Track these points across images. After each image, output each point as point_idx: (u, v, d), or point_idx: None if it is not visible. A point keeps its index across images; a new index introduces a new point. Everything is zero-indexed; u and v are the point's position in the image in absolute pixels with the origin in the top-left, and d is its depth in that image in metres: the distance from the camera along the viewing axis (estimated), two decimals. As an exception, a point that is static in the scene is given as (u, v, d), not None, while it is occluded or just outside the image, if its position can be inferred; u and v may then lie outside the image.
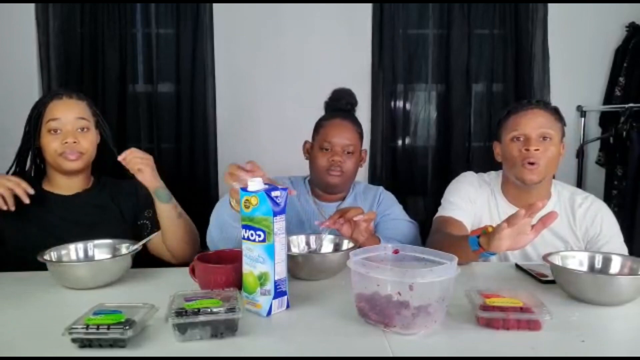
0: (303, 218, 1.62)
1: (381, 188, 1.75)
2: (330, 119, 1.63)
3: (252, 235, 0.97)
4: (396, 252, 1.02)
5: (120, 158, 1.31)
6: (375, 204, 1.67)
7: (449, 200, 1.56)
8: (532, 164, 1.43)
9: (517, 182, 1.49)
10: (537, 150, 1.42)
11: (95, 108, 1.53)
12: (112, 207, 1.49)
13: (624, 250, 1.46)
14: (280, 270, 0.98)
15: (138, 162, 1.31)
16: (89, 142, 1.45)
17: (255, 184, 0.97)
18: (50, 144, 1.41)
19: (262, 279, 0.97)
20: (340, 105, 1.67)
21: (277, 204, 0.96)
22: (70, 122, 1.42)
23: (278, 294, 0.98)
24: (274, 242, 0.96)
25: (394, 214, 1.65)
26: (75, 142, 1.41)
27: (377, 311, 0.89)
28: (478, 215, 1.55)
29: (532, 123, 1.44)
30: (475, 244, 1.19)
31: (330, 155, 1.58)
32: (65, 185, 1.48)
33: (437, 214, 1.58)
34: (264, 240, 0.96)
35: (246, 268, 0.99)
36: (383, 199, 1.69)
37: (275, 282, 0.97)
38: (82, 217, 1.44)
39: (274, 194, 0.96)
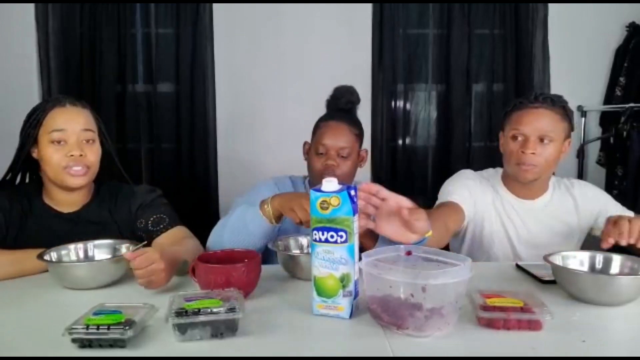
0: None
1: None
2: (325, 121, 1.60)
3: (332, 237, 0.94)
4: (409, 253, 1.02)
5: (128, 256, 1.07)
6: None
7: (446, 191, 1.55)
8: (528, 164, 1.44)
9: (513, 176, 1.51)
10: (533, 153, 1.42)
11: (97, 115, 1.43)
12: (109, 222, 1.40)
13: (628, 211, 1.47)
14: (357, 270, 0.96)
15: (147, 277, 1.07)
16: (95, 154, 1.35)
17: (331, 184, 0.95)
18: (53, 157, 1.30)
19: (344, 280, 0.95)
20: (339, 104, 1.64)
21: (355, 203, 0.94)
22: (76, 134, 1.31)
23: (356, 294, 0.97)
24: (354, 242, 0.95)
25: None
26: (81, 155, 1.31)
27: (389, 313, 0.89)
28: (480, 212, 1.53)
29: (532, 124, 1.43)
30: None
31: (325, 159, 1.55)
32: (65, 201, 1.38)
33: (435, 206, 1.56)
34: (345, 241, 0.93)
35: (323, 271, 0.96)
36: None
37: (355, 282, 0.95)
38: (80, 236, 1.31)
39: (352, 193, 0.94)
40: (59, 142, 1.31)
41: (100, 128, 1.41)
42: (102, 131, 1.41)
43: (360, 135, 1.63)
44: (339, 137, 1.56)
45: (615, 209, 1.50)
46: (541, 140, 1.43)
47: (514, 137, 1.46)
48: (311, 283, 0.98)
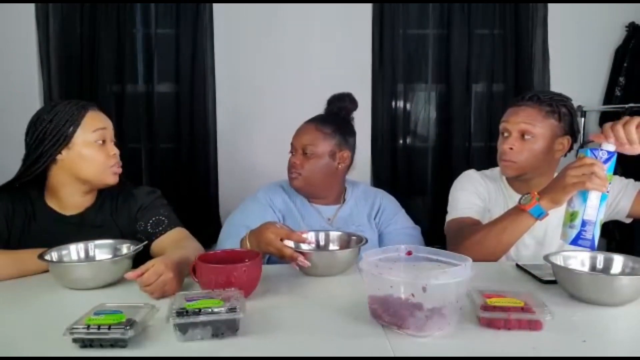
0: (301, 223, 1.55)
1: (380, 193, 1.68)
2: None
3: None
4: (409, 253, 1.02)
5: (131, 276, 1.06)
6: (375, 213, 1.61)
7: (460, 200, 1.54)
8: (506, 160, 1.47)
9: None
10: (511, 148, 1.45)
11: None
12: (111, 225, 1.40)
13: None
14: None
15: (159, 290, 1.06)
16: (118, 153, 1.40)
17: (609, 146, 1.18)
18: (98, 156, 1.33)
19: None
20: (331, 110, 1.63)
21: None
22: (110, 134, 1.38)
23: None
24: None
25: (397, 224, 1.59)
26: (117, 154, 1.38)
27: (390, 313, 0.89)
28: (494, 215, 1.52)
29: (513, 120, 1.46)
30: (541, 211, 1.27)
31: (291, 157, 1.57)
32: (72, 204, 1.38)
33: (450, 217, 1.53)
34: None
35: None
36: (384, 207, 1.63)
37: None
38: (81, 239, 1.29)
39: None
40: (103, 141, 1.35)
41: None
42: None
43: (333, 135, 1.54)
44: (304, 135, 1.55)
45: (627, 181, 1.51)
46: (522, 136, 1.44)
47: (501, 134, 1.50)
48: (597, 224, 1.16)
